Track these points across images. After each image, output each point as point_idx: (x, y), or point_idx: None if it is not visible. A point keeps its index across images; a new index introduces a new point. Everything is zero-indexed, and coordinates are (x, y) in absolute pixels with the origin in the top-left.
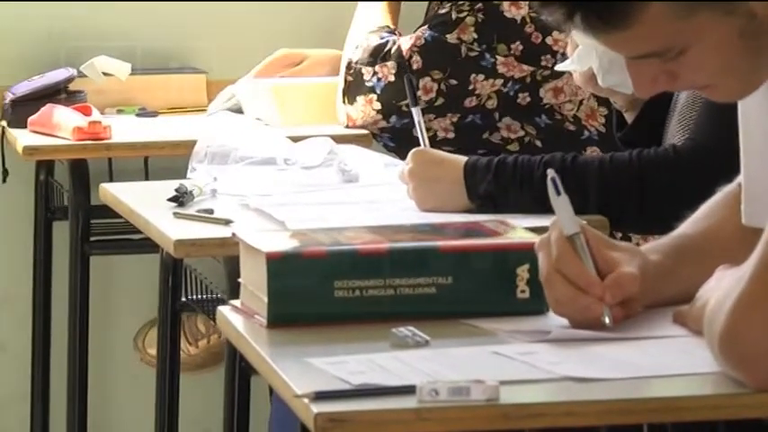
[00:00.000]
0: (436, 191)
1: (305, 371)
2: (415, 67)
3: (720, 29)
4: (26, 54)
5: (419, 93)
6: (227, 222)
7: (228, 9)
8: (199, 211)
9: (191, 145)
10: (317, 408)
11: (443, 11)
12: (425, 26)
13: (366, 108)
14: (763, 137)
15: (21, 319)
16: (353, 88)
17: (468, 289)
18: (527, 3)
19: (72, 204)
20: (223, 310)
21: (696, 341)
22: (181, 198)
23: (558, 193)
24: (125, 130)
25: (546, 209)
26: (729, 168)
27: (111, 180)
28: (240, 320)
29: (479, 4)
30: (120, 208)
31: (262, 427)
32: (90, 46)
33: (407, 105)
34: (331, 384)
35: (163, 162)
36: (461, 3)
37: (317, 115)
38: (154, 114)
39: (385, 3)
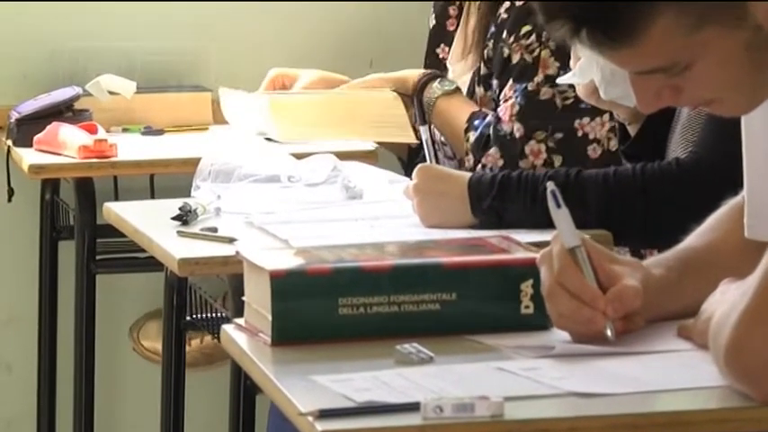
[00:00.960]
0: (441, 206)
1: (309, 388)
2: (518, 135)
3: (727, 43)
4: (31, 73)
5: (529, 157)
6: (230, 240)
7: (233, 27)
8: (203, 229)
9: (196, 163)
10: (321, 426)
11: (514, 57)
12: (509, 85)
13: None
14: (766, 150)
15: (27, 338)
16: None
17: (472, 305)
18: None
19: (78, 223)
20: (227, 328)
21: (701, 355)
22: (184, 216)
23: (559, 206)
24: (130, 148)
25: (551, 224)
26: (733, 182)
27: (116, 199)
28: (244, 339)
29: (544, 35)
30: (125, 227)
31: None
32: (95, 64)
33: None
34: (335, 402)
35: (169, 180)
36: (524, 42)
37: (314, 127)
38: (159, 132)
39: (454, 98)
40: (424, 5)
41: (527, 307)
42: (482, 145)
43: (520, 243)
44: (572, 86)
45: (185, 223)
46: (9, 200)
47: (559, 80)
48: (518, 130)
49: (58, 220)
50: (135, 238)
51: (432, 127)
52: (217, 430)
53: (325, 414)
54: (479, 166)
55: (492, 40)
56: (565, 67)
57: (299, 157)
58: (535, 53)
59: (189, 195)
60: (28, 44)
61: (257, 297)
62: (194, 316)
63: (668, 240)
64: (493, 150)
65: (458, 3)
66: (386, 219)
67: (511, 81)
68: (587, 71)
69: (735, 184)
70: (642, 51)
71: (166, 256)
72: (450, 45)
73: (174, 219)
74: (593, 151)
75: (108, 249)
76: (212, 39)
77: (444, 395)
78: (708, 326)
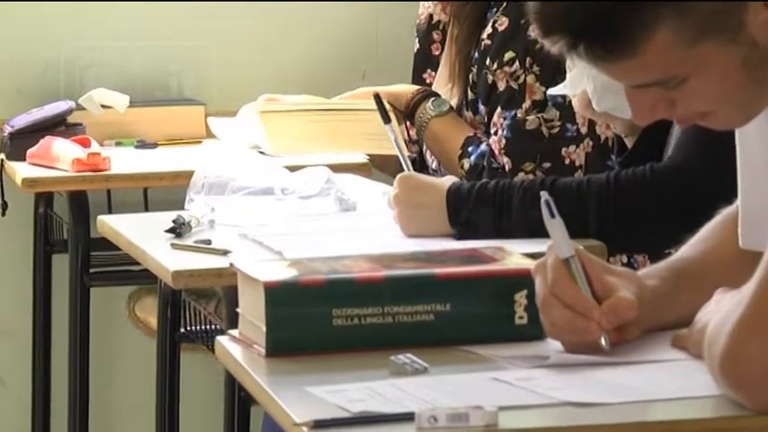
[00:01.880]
0: (420, 217)
1: (304, 399)
2: (507, 168)
3: (723, 58)
4: (24, 87)
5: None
6: (224, 253)
7: (227, 42)
8: (196, 241)
9: (190, 176)
10: None
11: (500, 84)
12: (498, 113)
13: None
14: (762, 159)
15: (21, 352)
16: None
17: (466, 316)
18: None
19: (71, 237)
20: (222, 340)
21: (695, 364)
22: (178, 229)
23: (553, 216)
24: (124, 161)
25: (527, 234)
26: (708, 188)
27: (110, 212)
28: (239, 350)
29: (527, 61)
30: (118, 240)
31: None
32: (88, 78)
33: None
34: (330, 412)
35: (162, 194)
36: (508, 70)
37: (305, 140)
38: (153, 146)
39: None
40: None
41: (521, 317)
42: (476, 176)
43: (513, 253)
44: (561, 111)
45: (179, 236)
46: (2, 213)
47: (550, 91)
48: (507, 163)
49: (51, 233)
50: (129, 251)
51: (424, 149)
52: None
53: (319, 425)
54: None
55: (476, 66)
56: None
57: (292, 169)
58: (520, 80)
59: (183, 208)
60: (21, 58)
61: (251, 308)
62: (188, 328)
63: (645, 246)
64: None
65: (441, 27)
66: (379, 230)
67: (499, 109)
68: (578, 82)
69: (710, 190)
70: (639, 65)
71: (160, 269)
72: (435, 70)
73: (167, 231)
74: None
75: (102, 262)
76: (206, 53)
77: (438, 405)
78: (702, 335)
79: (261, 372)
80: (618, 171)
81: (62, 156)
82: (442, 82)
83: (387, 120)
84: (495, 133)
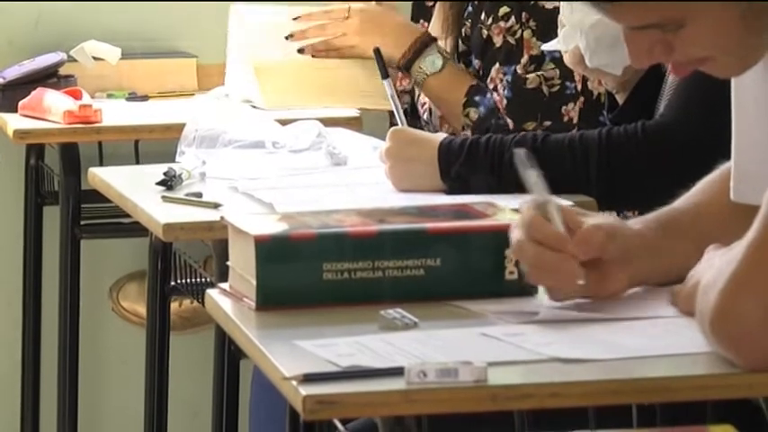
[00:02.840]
0: (411, 171)
1: (293, 353)
2: (510, 127)
3: (722, 7)
4: (16, 39)
5: None
6: (215, 206)
7: None
8: (187, 194)
9: (181, 128)
10: (305, 390)
11: (496, 40)
12: (496, 68)
13: None
14: (756, 112)
15: (11, 303)
16: None
17: (457, 271)
18: None
19: (62, 189)
20: (212, 293)
21: (686, 321)
22: (169, 182)
23: (528, 167)
24: (115, 113)
25: (518, 189)
26: (697, 145)
27: (101, 164)
28: (229, 304)
29: (523, 16)
30: (109, 192)
31: None
32: (80, 30)
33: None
34: (320, 367)
35: (153, 146)
36: (503, 25)
37: (300, 95)
38: (144, 98)
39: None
40: None
41: (511, 273)
42: (484, 130)
43: (504, 209)
44: (560, 68)
45: (170, 188)
46: None
47: (544, 47)
48: (510, 122)
49: (42, 185)
50: (120, 204)
51: (416, 100)
52: (201, 394)
53: (309, 378)
54: None
55: (469, 20)
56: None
57: (283, 123)
58: (517, 35)
59: (174, 161)
60: (12, 10)
61: (242, 262)
62: (178, 281)
63: (635, 203)
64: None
65: None
66: (370, 185)
67: (497, 65)
68: (570, 38)
69: (699, 147)
70: (640, 5)
71: (151, 221)
72: (429, 20)
73: (158, 184)
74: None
75: (93, 214)
76: (198, 5)
77: (428, 360)
78: (693, 292)
79: (251, 325)
80: (609, 128)
81: (53, 107)
82: (435, 33)
83: (385, 75)
84: (495, 89)
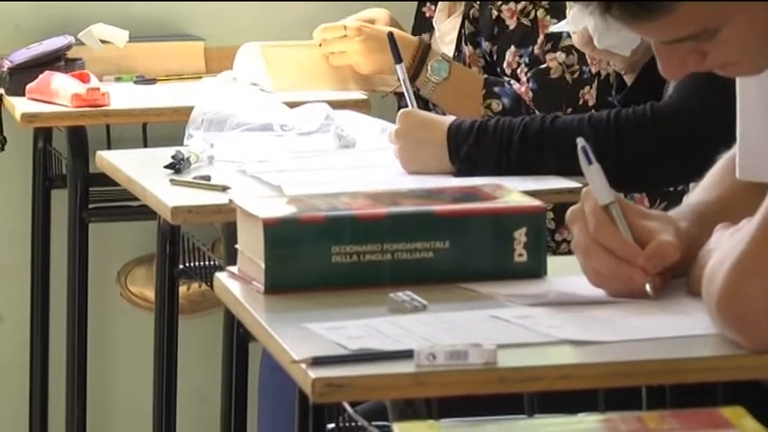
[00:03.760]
0: (420, 153)
1: (302, 336)
2: None
3: (755, 5)
4: (23, 22)
5: None
6: (223, 189)
7: None
8: (195, 177)
9: (189, 111)
10: (314, 373)
11: (509, 22)
12: (511, 51)
13: None
14: (760, 90)
15: (19, 288)
16: None
17: (466, 253)
18: None
19: (70, 172)
20: (220, 276)
21: (694, 303)
22: (177, 165)
23: (590, 162)
24: (123, 97)
25: (526, 171)
26: (707, 128)
27: (109, 147)
28: (238, 287)
29: None
30: (117, 175)
31: None
32: (87, 14)
33: None
34: (329, 350)
35: (161, 129)
36: (515, 6)
37: (307, 78)
38: (152, 81)
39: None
40: None
41: (520, 255)
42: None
43: (512, 191)
44: (577, 52)
45: (178, 171)
46: (2, 149)
47: (552, 28)
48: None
49: (50, 168)
50: (128, 187)
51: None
52: (209, 377)
53: (318, 361)
54: None
55: (478, 2)
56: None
57: (291, 105)
58: (531, 15)
59: (182, 144)
60: None
61: (250, 245)
62: (187, 264)
63: (642, 185)
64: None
65: None
66: (379, 167)
67: (513, 48)
68: (579, 19)
69: (710, 131)
70: (674, 20)
71: (159, 205)
72: (435, 3)
73: (166, 167)
74: None
75: (100, 198)
76: None
77: (437, 343)
78: (702, 273)
79: (259, 308)
80: (618, 110)
81: (61, 91)
82: (441, 18)
83: (398, 59)
84: (514, 75)
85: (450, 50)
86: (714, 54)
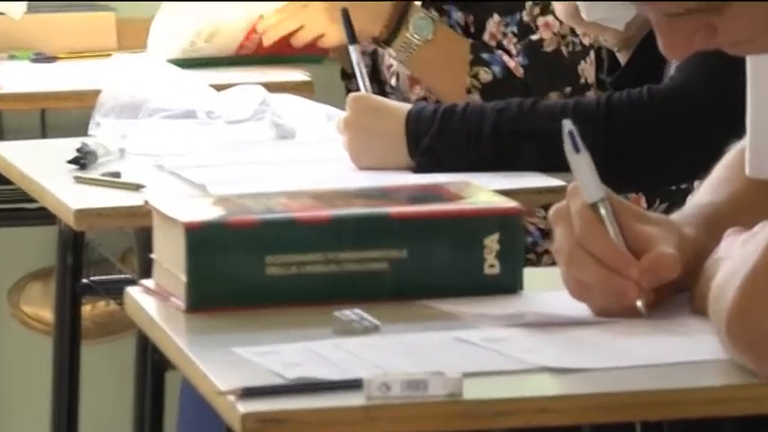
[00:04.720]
0: (373, 145)
1: (230, 363)
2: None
3: None
4: None
5: None
6: (137, 187)
7: None
8: (104, 174)
9: (96, 95)
10: (244, 407)
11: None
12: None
13: None
14: None
15: None
16: None
17: (426, 264)
18: None
19: None
20: (132, 291)
21: (699, 323)
22: (83, 159)
23: (578, 150)
24: (18, 78)
25: (500, 167)
26: (714, 115)
27: (1, 139)
28: (153, 304)
29: None
30: (11, 172)
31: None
32: None
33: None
34: (262, 379)
35: (63, 116)
36: None
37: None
38: (52, 60)
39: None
40: None
41: (492, 266)
42: (500, 93)
43: (482, 190)
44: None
45: (83, 167)
46: None
47: None
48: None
49: None
50: (23, 186)
51: (380, 62)
52: (118, 413)
53: (249, 393)
54: None
55: None
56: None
57: (219, 88)
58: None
59: (87, 134)
60: None
61: (169, 255)
62: (92, 278)
63: (638, 183)
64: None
65: None
66: (324, 161)
67: (496, 17)
68: None
69: (718, 118)
70: None
71: (60, 207)
72: None
73: (70, 162)
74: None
75: None
76: None
77: (392, 370)
78: (708, 288)
79: (179, 330)
80: (610, 94)
81: None
82: None
83: (353, 40)
84: (501, 48)
85: None
86: (725, 31)
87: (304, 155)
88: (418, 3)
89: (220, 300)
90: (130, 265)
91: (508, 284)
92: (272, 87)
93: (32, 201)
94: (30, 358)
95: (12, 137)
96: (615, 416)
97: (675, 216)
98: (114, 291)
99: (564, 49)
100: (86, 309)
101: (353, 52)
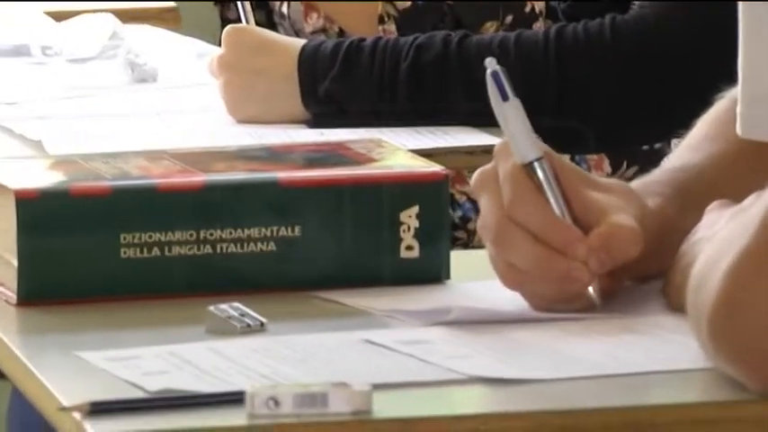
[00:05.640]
0: (258, 91)
1: (75, 371)
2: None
3: None
4: None
5: None
6: None
7: None
8: None
9: None
10: (92, 426)
11: None
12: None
13: None
14: None
15: None
16: None
17: (325, 245)
18: None
19: None
20: None
21: (673, 321)
22: None
23: (505, 98)
24: None
25: (422, 119)
26: (694, 52)
27: None
28: None
29: None
30: None
31: None
32: None
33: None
34: (115, 391)
35: None
36: None
37: None
38: None
39: None
40: None
41: (409, 248)
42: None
43: (397, 150)
44: None
45: None
46: None
47: None
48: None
49: None
50: None
51: None
52: None
53: (99, 409)
54: None
55: None
56: None
57: (59, 17)
58: None
59: None
60: None
61: None
62: None
63: (598, 142)
64: None
65: None
66: (194, 112)
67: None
68: None
69: (699, 56)
70: None
71: None
72: None
73: None
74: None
75: None
76: None
77: (282, 381)
78: (686, 277)
79: (9, 328)
80: (561, 26)
81: None
82: None
83: None
84: None
85: None
86: None
87: (168, 104)
88: None
89: (62, 290)
90: None
91: (430, 271)
92: (128, 16)
93: None
94: None
95: None
96: None
97: (637, 183)
98: None
99: None
100: None
101: None
